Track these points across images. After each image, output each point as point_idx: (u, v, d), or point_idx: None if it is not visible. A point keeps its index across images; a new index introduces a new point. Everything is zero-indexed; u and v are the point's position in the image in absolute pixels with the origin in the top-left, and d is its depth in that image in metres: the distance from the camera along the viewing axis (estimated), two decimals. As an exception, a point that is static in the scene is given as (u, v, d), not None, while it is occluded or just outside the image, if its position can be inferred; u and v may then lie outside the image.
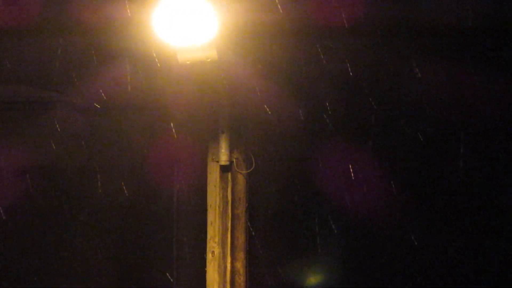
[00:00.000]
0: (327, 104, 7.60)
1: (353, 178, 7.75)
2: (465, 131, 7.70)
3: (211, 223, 6.65)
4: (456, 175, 7.80)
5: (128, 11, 6.63)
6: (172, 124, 7.39)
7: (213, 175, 6.68)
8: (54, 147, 7.99)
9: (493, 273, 7.81)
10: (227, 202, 6.64)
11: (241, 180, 6.67)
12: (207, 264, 6.62)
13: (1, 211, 7.99)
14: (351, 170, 7.74)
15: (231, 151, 6.62)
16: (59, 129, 7.93)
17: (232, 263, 6.58)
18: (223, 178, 6.65)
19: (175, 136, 7.40)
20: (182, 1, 6.04)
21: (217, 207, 6.64)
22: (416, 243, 7.83)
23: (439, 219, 7.84)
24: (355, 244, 7.95)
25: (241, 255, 6.61)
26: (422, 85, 7.45)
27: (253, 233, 6.81)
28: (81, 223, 8.11)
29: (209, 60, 6.17)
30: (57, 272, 8.11)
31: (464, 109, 7.44)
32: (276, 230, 7.74)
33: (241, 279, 6.60)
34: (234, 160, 6.63)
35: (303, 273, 7.97)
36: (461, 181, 7.80)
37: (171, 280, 7.88)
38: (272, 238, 7.70)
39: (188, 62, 6.20)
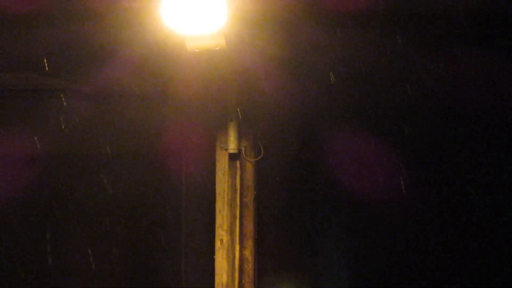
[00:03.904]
0: (337, 93, 7.59)
1: (362, 167, 7.75)
2: (476, 123, 7.69)
3: (220, 211, 6.66)
4: (466, 167, 7.79)
5: (136, -1, 6.62)
6: (180, 112, 7.39)
7: (222, 163, 6.68)
8: (61, 135, 8.00)
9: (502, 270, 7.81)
10: (235, 190, 6.64)
11: (249, 168, 6.67)
12: (216, 252, 6.62)
13: (7, 199, 8.01)
14: (360, 159, 7.73)
15: (239, 139, 6.61)
16: (67, 117, 7.94)
17: (240, 251, 6.58)
18: (231, 166, 6.65)
19: (184, 124, 7.40)
20: (191, -11, 6.03)
21: (225, 195, 6.64)
22: (423, 236, 7.83)
23: (449, 213, 7.83)
24: (364, 233, 7.96)
25: (249, 243, 6.62)
26: (431, 75, 7.43)
27: (262, 221, 6.81)
28: (88, 210, 8.13)
29: (217, 48, 6.15)
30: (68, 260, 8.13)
31: (474, 100, 7.42)
32: (285, 219, 7.75)
33: (249, 267, 6.61)
34: (243, 148, 6.63)
35: (311, 262, 7.97)
36: (471, 173, 7.79)
37: (180, 268, 7.90)
38: (281, 226, 7.70)
39: (196, 50, 6.18)
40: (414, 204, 7.82)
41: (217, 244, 6.62)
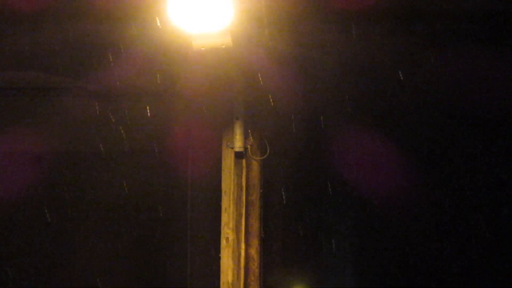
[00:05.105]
0: (342, 90, 7.59)
1: (367, 165, 7.74)
2: (484, 119, 7.67)
3: (225, 210, 6.66)
4: (473, 166, 7.78)
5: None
6: (186, 111, 7.40)
7: (228, 162, 6.68)
8: (68, 133, 8.01)
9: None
10: (241, 189, 6.64)
11: (255, 166, 6.67)
12: (221, 250, 6.63)
13: (15, 196, 8.02)
14: (366, 157, 7.73)
15: (245, 138, 6.62)
16: (73, 115, 7.95)
17: (246, 249, 6.58)
18: (237, 165, 6.65)
19: (190, 122, 7.41)
20: (197, -12, 6.04)
21: (231, 194, 6.64)
22: (428, 234, 7.82)
23: (454, 213, 7.82)
24: (370, 231, 7.95)
25: (255, 242, 6.61)
26: (437, 73, 7.43)
27: (267, 220, 6.82)
28: (94, 208, 8.14)
29: (223, 46, 6.16)
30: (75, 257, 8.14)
31: (483, 96, 7.41)
32: (291, 217, 7.74)
33: (255, 265, 6.61)
34: (249, 146, 6.63)
35: (317, 260, 7.97)
36: (478, 172, 7.78)
37: (186, 266, 7.91)
38: (287, 224, 7.70)
39: (203, 49, 6.19)
40: (420, 202, 7.82)
41: (223, 242, 6.63)
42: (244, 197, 6.63)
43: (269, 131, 6.72)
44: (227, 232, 6.62)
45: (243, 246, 6.58)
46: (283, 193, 7.53)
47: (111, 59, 7.30)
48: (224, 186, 6.69)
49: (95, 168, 8.11)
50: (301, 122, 7.62)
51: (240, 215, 6.62)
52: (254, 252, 6.62)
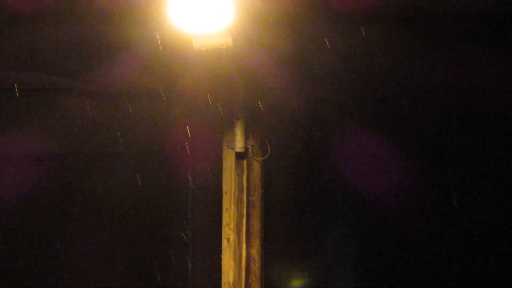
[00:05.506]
0: (342, 90, 7.59)
1: (368, 165, 7.74)
2: (482, 119, 7.67)
3: (226, 210, 6.65)
4: (474, 166, 7.78)
5: (143, -3, 6.63)
6: (187, 111, 7.39)
7: (228, 162, 6.67)
8: (68, 134, 8.01)
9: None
10: (242, 189, 6.63)
11: (256, 167, 6.66)
12: (223, 251, 6.62)
13: (15, 198, 8.02)
14: (367, 157, 7.73)
15: (246, 138, 6.60)
16: (73, 115, 7.94)
17: (247, 250, 6.57)
18: (238, 165, 6.64)
19: (190, 123, 7.40)
20: (197, -12, 6.02)
21: (232, 194, 6.63)
22: (425, 232, 7.83)
23: (454, 212, 7.82)
24: (371, 230, 7.95)
25: (256, 242, 6.61)
26: (437, 73, 7.43)
27: (269, 220, 6.80)
28: (94, 209, 8.14)
29: (224, 47, 6.14)
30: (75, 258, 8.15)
31: (484, 97, 7.41)
32: (292, 217, 7.74)
33: (256, 266, 6.60)
34: (250, 147, 6.62)
35: (318, 260, 7.98)
36: (478, 172, 7.78)
37: (187, 267, 7.91)
38: (288, 225, 7.70)
39: (203, 49, 6.18)
40: (420, 202, 7.82)
41: (224, 243, 6.62)
42: (245, 198, 6.62)
43: (270, 131, 6.71)
44: (228, 232, 6.61)
45: (244, 246, 6.57)
46: (284, 193, 7.52)
47: (111, 59, 7.29)
48: (225, 186, 6.68)
49: (95, 169, 8.11)
50: (302, 122, 7.62)
51: (241, 215, 6.61)
52: (255, 252, 6.61)
